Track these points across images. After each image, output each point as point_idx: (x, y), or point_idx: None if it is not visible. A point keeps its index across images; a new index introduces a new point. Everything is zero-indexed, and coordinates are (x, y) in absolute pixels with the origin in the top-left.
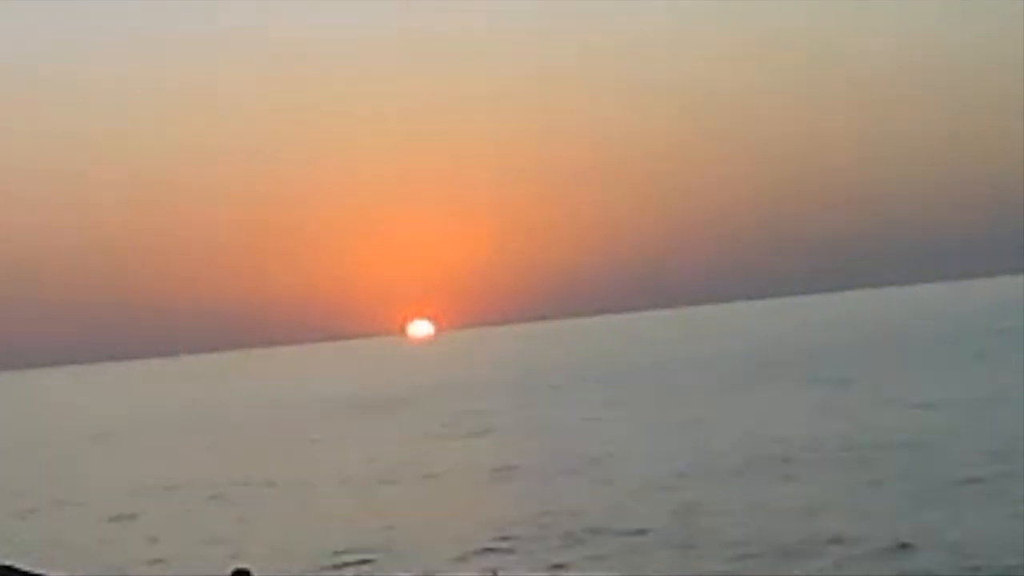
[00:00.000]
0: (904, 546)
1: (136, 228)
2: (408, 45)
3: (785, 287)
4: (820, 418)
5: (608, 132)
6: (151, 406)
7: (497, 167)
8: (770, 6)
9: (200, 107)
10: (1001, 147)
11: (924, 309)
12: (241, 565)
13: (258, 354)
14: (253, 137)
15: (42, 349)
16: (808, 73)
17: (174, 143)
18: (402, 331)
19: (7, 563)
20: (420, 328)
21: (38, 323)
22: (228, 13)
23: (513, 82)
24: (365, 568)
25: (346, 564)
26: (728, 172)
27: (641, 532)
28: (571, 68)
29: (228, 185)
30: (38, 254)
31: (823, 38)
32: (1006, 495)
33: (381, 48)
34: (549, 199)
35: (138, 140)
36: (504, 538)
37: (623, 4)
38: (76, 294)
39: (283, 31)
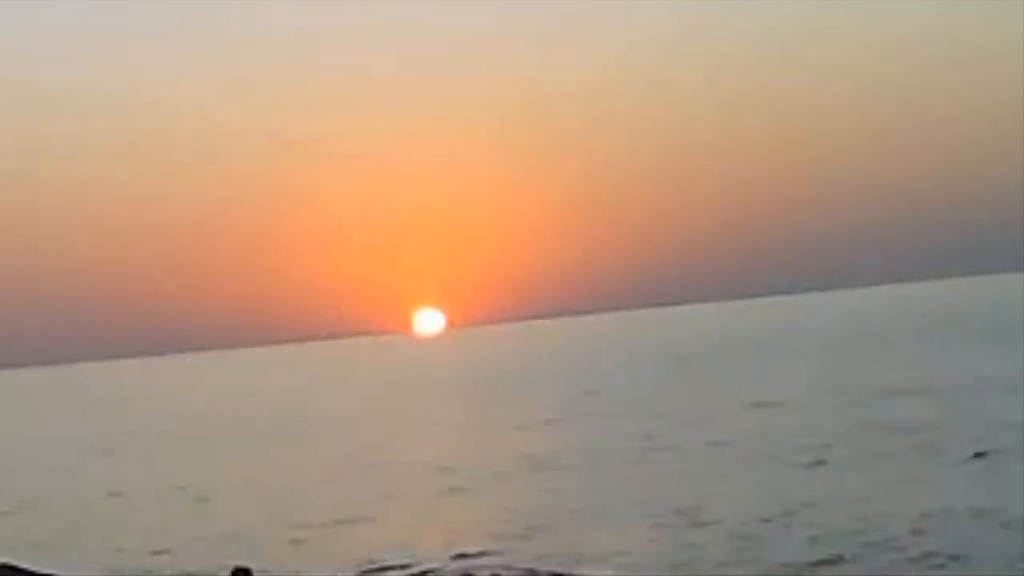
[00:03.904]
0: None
1: (137, 226)
2: (411, 41)
3: (785, 286)
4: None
5: (620, 129)
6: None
7: (503, 165)
8: (772, 6)
9: (201, 105)
10: (1001, 146)
11: (921, 308)
12: (241, 564)
13: (258, 353)
14: (254, 133)
15: (42, 348)
16: (809, 72)
17: (174, 141)
18: (407, 327)
19: (7, 562)
20: (430, 322)
21: (37, 322)
22: (230, 11)
23: (521, 79)
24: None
25: None
26: (728, 171)
27: None
28: (572, 66)
29: (228, 181)
30: (35, 252)
31: (823, 37)
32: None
33: (383, 43)
34: (556, 196)
35: (137, 138)
36: None
37: (628, 4)
38: (75, 293)
39: (286, 28)
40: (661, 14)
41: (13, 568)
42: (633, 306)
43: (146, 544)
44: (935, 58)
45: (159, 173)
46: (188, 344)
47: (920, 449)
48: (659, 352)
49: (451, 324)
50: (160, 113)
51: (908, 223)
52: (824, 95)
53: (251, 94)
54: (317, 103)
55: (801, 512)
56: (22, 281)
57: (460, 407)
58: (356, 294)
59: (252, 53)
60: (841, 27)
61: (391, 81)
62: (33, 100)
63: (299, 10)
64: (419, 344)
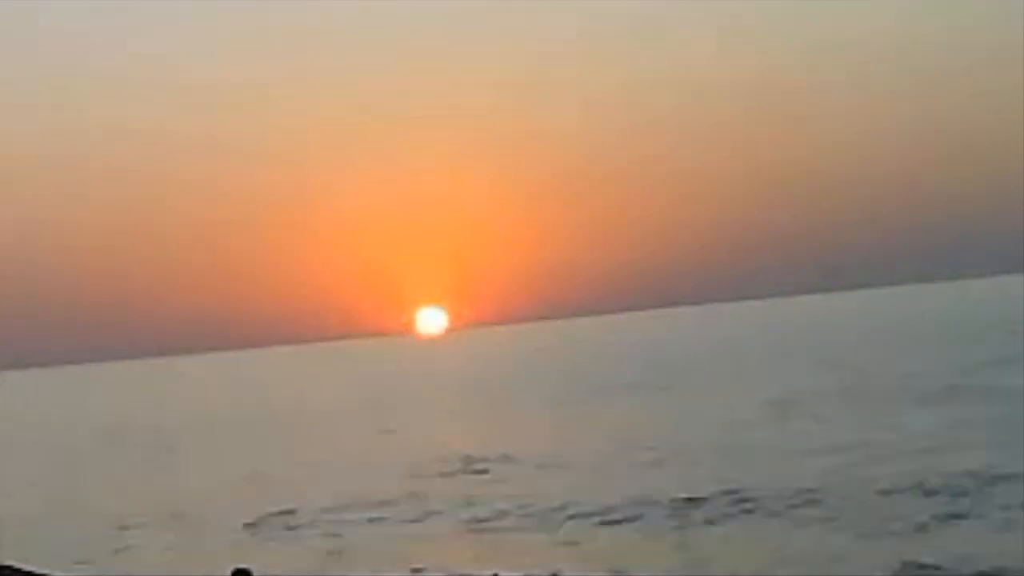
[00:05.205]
0: None
1: (137, 226)
2: (412, 39)
3: (783, 286)
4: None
5: (625, 128)
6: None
7: (507, 164)
8: (770, 5)
9: (200, 103)
10: (1001, 145)
11: (923, 308)
12: (241, 565)
13: (258, 355)
14: (255, 132)
15: (43, 348)
16: (808, 71)
17: (174, 140)
18: (410, 328)
19: (7, 563)
20: (433, 323)
21: (37, 322)
22: (231, 7)
23: (524, 78)
24: None
25: None
26: (734, 170)
27: None
28: (571, 65)
29: (229, 181)
30: (35, 251)
31: (822, 36)
32: None
33: (384, 42)
34: (561, 196)
35: (137, 137)
36: None
37: (624, 3)
38: (75, 293)
39: (286, 26)
40: (660, 12)
41: (13, 569)
42: (639, 307)
43: None
44: (936, 55)
45: (160, 173)
46: (188, 346)
47: None
48: (663, 354)
49: (454, 325)
50: (160, 113)
51: (907, 224)
52: (822, 94)
53: (253, 93)
54: (319, 102)
55: None
56: (21, 281)
57: (465, 408)
58: (357, 294)
59: (256, 53)
60: (841, 24)
61: (393, 80)
62: (31, 100)
63: (299, 7)
64: (422, 345)
